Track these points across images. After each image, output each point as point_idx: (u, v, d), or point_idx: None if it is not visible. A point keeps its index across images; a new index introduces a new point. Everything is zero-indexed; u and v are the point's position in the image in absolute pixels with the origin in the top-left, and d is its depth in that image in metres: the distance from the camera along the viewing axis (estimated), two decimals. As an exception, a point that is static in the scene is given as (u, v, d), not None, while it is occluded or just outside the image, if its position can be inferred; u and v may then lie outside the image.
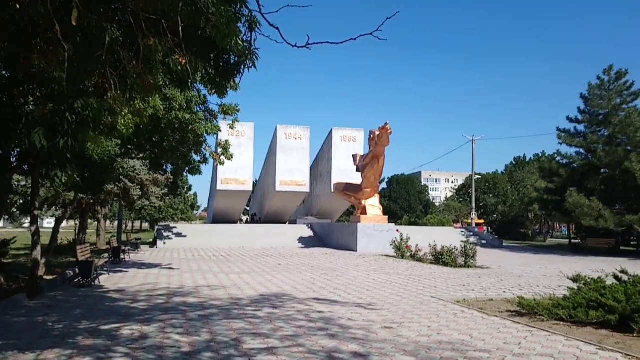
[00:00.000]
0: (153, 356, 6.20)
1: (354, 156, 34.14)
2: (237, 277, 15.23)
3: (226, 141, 15.30)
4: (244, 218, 58.96)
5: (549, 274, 17.39)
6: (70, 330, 7.67)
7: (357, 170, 35.12)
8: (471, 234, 39.52)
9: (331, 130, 48.08)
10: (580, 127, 34.95)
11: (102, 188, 10.27)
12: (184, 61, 4.50)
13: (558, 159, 35.75)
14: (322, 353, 6.33)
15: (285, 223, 49.91)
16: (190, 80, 5.72)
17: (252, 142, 43.60)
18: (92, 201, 20.85)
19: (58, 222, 15.87)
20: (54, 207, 25.08)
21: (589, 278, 9.90)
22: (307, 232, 38.61)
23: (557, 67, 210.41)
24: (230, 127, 15.63)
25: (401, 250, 24.37)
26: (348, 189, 32.63)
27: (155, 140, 13.26)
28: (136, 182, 22.74)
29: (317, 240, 36.23)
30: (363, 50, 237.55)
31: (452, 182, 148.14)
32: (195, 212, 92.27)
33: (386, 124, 26.01)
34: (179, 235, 34.63)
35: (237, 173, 42.67)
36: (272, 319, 8.59)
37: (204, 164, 16.47)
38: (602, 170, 33.21)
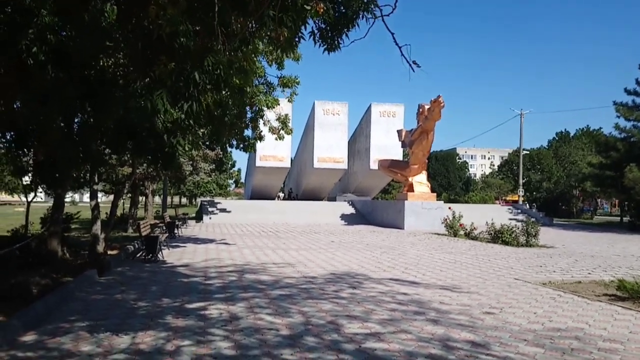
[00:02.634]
0: (255, 340, 5.81)
1: (399, 131, 33.22)
2: (296, 253, 14.87)
3: (286, 115, 14.78)
4: (281, 195, 58.95)
5: (622, 253, 16.45)
6: (155, 309, 7.37)
7: (403, 146, 34.30)
8: (519, 211, 38.28)
9: (370, 106, 47.10)
10: (639, 100, 33.04)
11: (174, 161, 9.96)
12: (321, 10, 3.93)
13: (615, 133, 34.02)
14: (435, 341, 5.81)
15: (322, 200, 49.57)
16: (297, 38, 5.11)
17: (290, 118, 43.00)
18: (144, 176, 20.85)
19: (117, 196, 15.78)
20: (102, 183, 25.24)
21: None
22: (349, 209, 38.13)
23: (600, 43, 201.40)
24: (288, 101, 15.10)
25: (454, 229, 23.64)
26: (394, 165, 31.85)
27: (217, 114, 12.80)
28: (187, 157, 22.59)
29: (359, 217, 35.71)
30: (399, 21, 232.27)
31: (489, 158, 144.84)
32: (229, 188, 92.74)
33: (439, 96, 25.00)
34: (223, 210, 34.69)
35: (276, 149, 42.04)
36: (358, 300, 8.13)
37: (259, 141, 15.95)
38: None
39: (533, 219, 35.83)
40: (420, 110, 28.14)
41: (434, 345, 5.68)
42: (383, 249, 16.76)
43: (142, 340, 5.81)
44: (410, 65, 4.45)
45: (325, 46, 5.37)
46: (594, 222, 44.62)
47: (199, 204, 47.83)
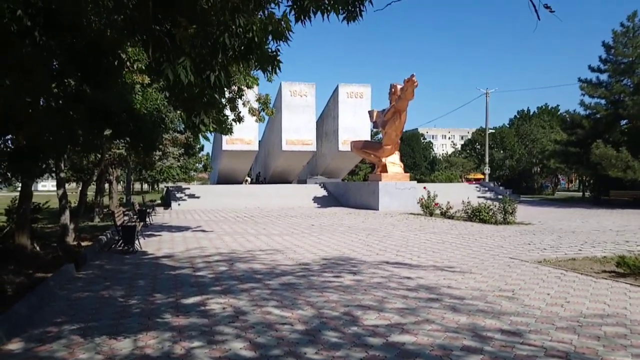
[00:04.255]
0: (270, 337, 5.33)
1: (371, 112, 32.95)
2: (280, 239, 14.39)
3: (266, 96, 14.07)
4: (248, 179, 57.93)
5: (599, 228, 16.73)
6: (149, 306, 6.77)
7: (375, 127, 34.09)
8: (486, 189, 38.93)
9: (337, 87, 46.56)
10: (603, 77, 33.83)
11: (155, 146, 9.26)
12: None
13: (579, 110, 34.75)
14: (465, 331, 5.48)
15: (290, 183, 49.00)
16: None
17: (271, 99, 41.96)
18: (110, 162, 19.75)
19: (85, 184, 14.82)
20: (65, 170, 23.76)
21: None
22: (321, 192, 37.77)
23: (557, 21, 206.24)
24: (268, 80, 14.41)
25: (429, 208, 23.64)
26: (367, 146, 31.60)
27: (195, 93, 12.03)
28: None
29: (332, 199, 35.44)
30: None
31: (449, 138, 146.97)
32: (195, 172, 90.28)
33: (412, 76, 24.70)
34: (191, 196, 33.74)
35: (243, 132, 40.85)
36: (364, 287, 7.74)
37: (238, 122, 15.19)
38: (623, 122, 32.36)
39: (501, 196, 36.54)
40: (393, 90, 27.85)
41: (464, 335, 5.35)
42: (366, 231, 16.48)
43: (146, 343, 5.24)
44: (536, 10, 3.82)
45: (345, 14, 4.82)
46: (557, 198, 45.90)
47: (163, 191, 46.47)
